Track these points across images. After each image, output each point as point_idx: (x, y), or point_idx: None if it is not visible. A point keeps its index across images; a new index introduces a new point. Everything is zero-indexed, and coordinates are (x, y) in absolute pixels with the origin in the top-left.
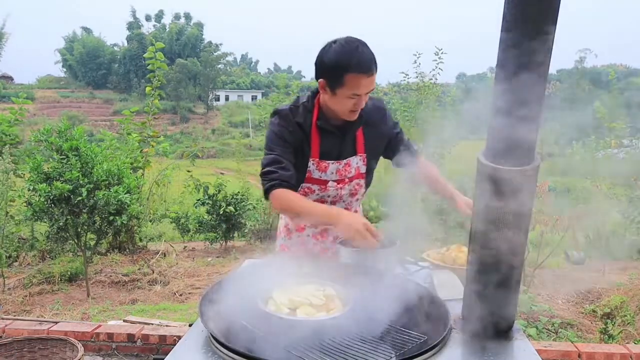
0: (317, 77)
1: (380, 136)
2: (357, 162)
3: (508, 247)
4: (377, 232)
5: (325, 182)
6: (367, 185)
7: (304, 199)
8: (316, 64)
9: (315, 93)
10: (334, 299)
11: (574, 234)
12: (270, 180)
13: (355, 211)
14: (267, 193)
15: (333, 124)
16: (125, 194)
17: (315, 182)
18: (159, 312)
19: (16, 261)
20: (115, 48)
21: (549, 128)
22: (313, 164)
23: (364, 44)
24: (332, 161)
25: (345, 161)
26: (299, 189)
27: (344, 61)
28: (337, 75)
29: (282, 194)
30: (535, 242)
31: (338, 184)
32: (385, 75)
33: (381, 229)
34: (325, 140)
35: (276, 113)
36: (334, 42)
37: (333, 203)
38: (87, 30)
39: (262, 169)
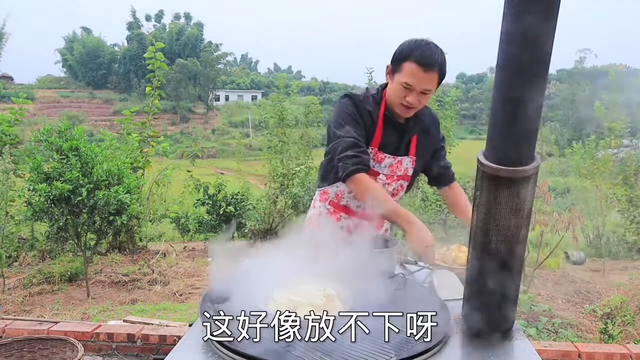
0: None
1: (430, 145)
2: (407, 163)
3: (508, 247)
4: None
5: (377, 174)
6: (408, 189)
7: (382, 189)
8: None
9: (384, 87)
10: (334, 299)
11: (574, 233)
12: (354, 165)
13: None
14: (348, 176)
15: (397, 120)
16: (125, 194)
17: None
18: (159, 312)
19: (16, 261)
20: (116, 48)
21: (549, 128)
22: (371, 152)
23: (438, 47)
24: (388, 155)
25: (399, 158)
26: None
27: (409, 49)
28: (399, 60)
29: (363, 179)
30: (535, 242)
31: (387, 178)
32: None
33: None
34: (387, 133)
35: (348, 96)
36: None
37: None
38: (87, 30)
39: (343, 152)
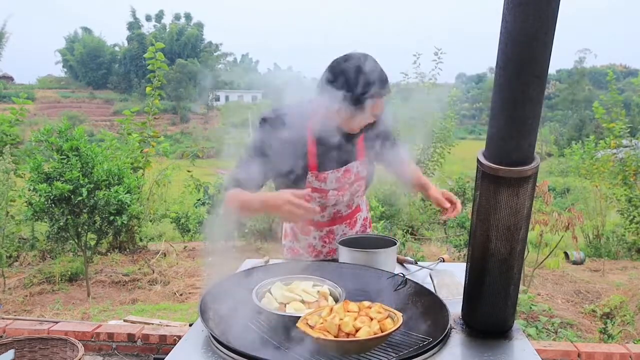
0: (326, 86)
1: (378, 137)
2: (356, 168)
3: (507, 247)
4: (304, 196)
5: (326, 191)
6: (369, 183)
7: (240, 192)
8: (328, 81)
9: (308, 100)
10: (327, 297)
11: (574, 233)
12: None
13: (358, 207)
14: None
15: (332, 134)
16: (125, 194)
17: (315, 191)
18: (159, 312)
19: (17, 261)
20: (116, 48)
21: (548, 128)
22: (312, 176)
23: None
24: (331, 170)
25: (345, 167)
26: None
27: (364, 84)
28: (355, 98)
29: (231, 195)
30: (535, 242)
31: (339, 192)
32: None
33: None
34: (323, 152)
35: (264, 120)
36: (342, 61)
37: (334, 205)
38: (87, 30)
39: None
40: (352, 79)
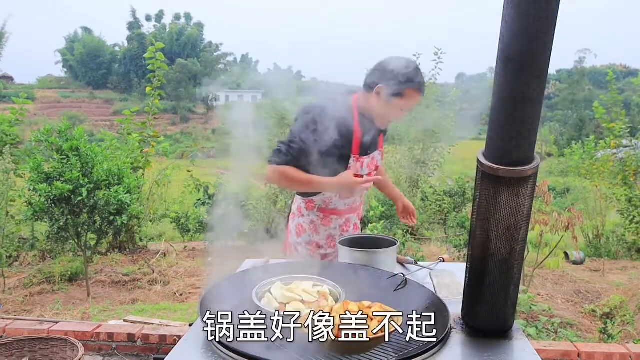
0: (373, 82)
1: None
2: (377, 155)
3: (507, 246)
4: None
5: (361, 176)
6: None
7: (300, 174)
8: (377, 70)
9: (349, 95)
10: (327, 297)
11: (574, 233)
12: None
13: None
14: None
15: (370, 124)
16: (125, 194)
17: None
18: (159, 312)
19: (17, 261)
20: (116, 48)
21: (548, 128)
22: (353, 159)
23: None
24: (365, 156)
25: (371, 155)
26: None
27: (407, 76)
28: (398, 85)
29: (286, 171)
30: (535, 242)
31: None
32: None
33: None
34: (363, 138)
35: (307, 111)
36: (397, 57)
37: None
38: (87, 30)
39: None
40: (406, 76)
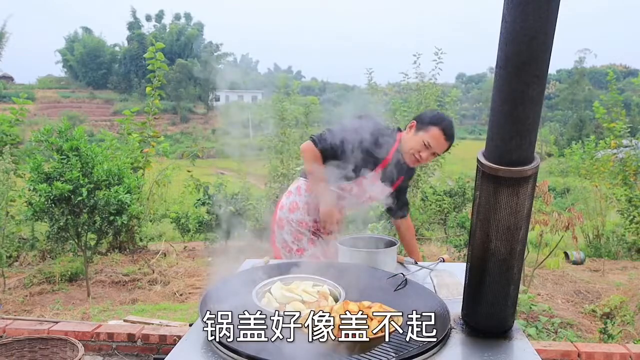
0: (409, 122)
1: (404, 183)
2: (385, 189)
3: (507, 246)
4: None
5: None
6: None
7: (324, 182)
8: (416, 117)
9: (398, 130)
10: (327, 297)
11: (574, 233)
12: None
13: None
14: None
15: (400, 160)
16: (125, 194)
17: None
18: (159, 312)
19: (17, 261)
20: (116, 48)
21: (548, 128)
22: (371, 174)
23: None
24: (378, 184)
25: (382, 184)
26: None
27: (438, 119)
28: (427, 123)
29: (316, 169)
30: (535, 242)
31: (357, 192)
32: (385, 75)
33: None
34: (389, 168)
35: (362, 117)
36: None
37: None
38: (87, 30)
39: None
40: (436, 117)
